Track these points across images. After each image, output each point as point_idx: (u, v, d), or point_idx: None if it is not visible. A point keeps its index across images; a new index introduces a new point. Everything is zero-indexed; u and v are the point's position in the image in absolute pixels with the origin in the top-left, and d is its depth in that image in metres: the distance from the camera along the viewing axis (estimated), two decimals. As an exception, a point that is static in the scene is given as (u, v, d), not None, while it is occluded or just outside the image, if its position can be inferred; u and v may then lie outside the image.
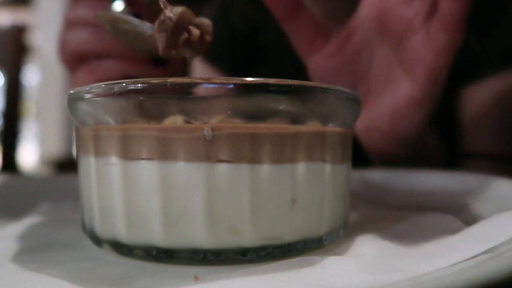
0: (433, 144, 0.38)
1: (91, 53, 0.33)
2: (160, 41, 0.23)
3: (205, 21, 0.25)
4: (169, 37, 0.23)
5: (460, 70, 0.51)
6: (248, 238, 0.20)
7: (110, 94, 0.20)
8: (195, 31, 0.24)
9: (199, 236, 0.19)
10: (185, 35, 0.24)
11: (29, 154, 2.56)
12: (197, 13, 0.25)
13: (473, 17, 0.49)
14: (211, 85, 0.19)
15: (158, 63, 0.34)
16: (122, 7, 0.31)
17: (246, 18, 0.61)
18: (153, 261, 0.20)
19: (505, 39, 0.49)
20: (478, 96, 0.50)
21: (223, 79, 0.20)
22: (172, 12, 0.23)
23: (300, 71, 0.57)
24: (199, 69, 0.63)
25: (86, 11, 0.32)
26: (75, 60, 0.33)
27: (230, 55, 0.61)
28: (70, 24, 0.33)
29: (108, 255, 0.22)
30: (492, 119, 0.50)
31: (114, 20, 0.26)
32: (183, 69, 0.38)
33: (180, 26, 0.23)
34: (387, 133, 0.32)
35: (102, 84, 0.20)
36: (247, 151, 0.19)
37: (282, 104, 0.20)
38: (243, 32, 0.60)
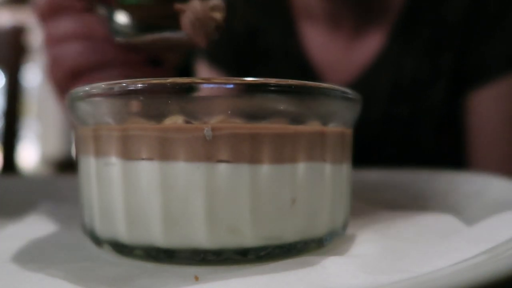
0: None
1: (90, 65, 0.31)
2: (198, 39, 0.25)
3: (215, 1, 0.26)
4: (206, 31, 0.25)
5: (465, 75, 0.51)
6: (248, 238, 0.20)
7: (110, 94, 0.20)
8: (218, 15, 0.25)
9: (199, 236, 0.19)
10: (214, 22, 0.25)
11: (29, 154, 2.56)
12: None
13: (473, 22, 0.50)
14: (211, 85, 0.19)
15: (156, 63, 0.33)
16: (126, 18, 0.30)
17: (246, 22, 0.61)
18: (153, 261, 0.20)
19: (506, 43, 0.49)
20: (484, 101, 0.50)
21: (223, 79, 0.20)
22: (197, 10, 0.25)
23: (301, 72, 0.58)
24: (204, 71, 0.64)
25: (74, 24, 0.31)
26: (70, 78, 0.31)
27: (232, 57, 0.62)
28: (58, 40, 0.31)
29: (108, 255, 0.22)
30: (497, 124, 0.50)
31: (148, 42, 0.28)
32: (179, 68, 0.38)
33: (208, 17, 0.25)
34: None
35: (102, 84, 0.20)
36: (247, 151, 0.19)
37: (282, 104, 0.20)
38: (244, 35, 0.61)
